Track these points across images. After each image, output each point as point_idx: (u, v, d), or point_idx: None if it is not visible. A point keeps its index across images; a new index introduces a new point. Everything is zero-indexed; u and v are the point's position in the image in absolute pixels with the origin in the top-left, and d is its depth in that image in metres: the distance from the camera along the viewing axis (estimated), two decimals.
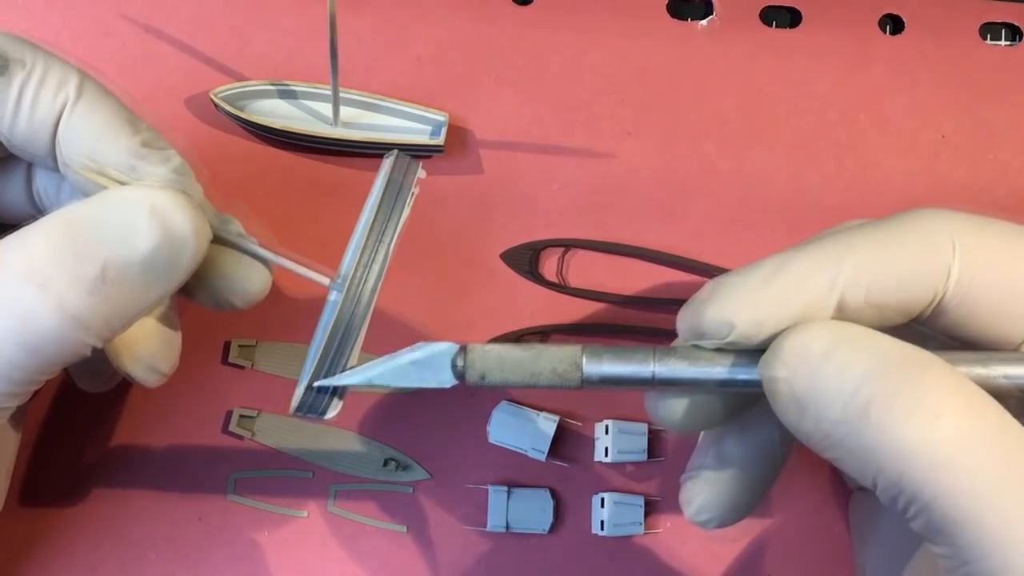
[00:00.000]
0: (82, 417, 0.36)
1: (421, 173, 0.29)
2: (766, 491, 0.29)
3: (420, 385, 0.26)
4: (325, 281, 0.28)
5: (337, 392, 0.28)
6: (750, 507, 0.29)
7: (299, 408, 0.28)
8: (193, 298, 0.28)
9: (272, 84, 0.38)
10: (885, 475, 0.22)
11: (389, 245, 0.28)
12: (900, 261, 0.24)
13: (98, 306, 0.24)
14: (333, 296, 0.28)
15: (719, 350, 0.25)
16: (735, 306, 0.25)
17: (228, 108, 0.37)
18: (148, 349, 0.29)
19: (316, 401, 0.27)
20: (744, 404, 0.28)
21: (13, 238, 0.25)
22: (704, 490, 0.28)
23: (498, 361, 0.26)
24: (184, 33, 0.39)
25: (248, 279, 0.28)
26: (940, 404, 0.21)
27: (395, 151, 0.29)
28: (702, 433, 0.30)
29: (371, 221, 0.28)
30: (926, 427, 0.21)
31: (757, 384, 0.25)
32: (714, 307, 0.25)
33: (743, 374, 0.25)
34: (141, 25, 0.39)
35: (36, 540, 0.36)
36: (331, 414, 0.28)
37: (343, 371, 0.27)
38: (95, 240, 0.24)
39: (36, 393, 0.27)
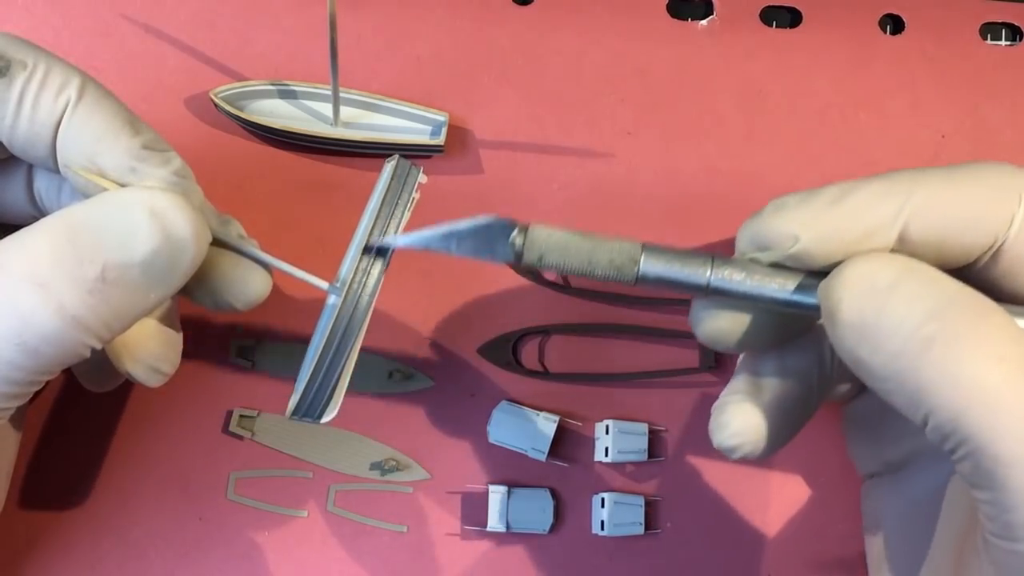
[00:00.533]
0: (82, 417, 0.36)
1: (423, 179, 0.29)
2: (795, 432, 0.28)
3: (477, 257, 0.26)
4: (324, 285, 0.28)
5: (333, 396, 0.28)
6: (781, 442, 0.28)
7: (295, 411, 0.28)
8: (192, 299, 0.28)
9: (272, 84, 0.38)
10: (939, 413, 0.22)
11: (388, 252, 0.28)
12: (967, 201, 0.25)
13: (98, 307, 0.24)
14: (332, 300, 0.28)
15: (778, 267, 0.25)
16: (800, 220, 0.25)
17: (228, 108, 0.37)
18: (149, 350, 0.29)
19: (313, 405, 0.27)
20: (790, 331, 0.28)
21: (13, 239, 0.25)
22: (738, 415, 0.28)
23: (558, 244, 0.26)
24: (184, 33, 0.39)
25: (248, 282, 0.28)
26: (1003, 348, 0.21)
27: (396, 156, 0.29)
28: (740, 360, 0.30)
29: (371, 226, 0.28)
30: (988, 368, 0.21)
31: (813, 308, 0.25)
32: (780, 218, 0.25)
33: (799, 295, 0.25)
34: (141, 25, 0.39)
35: (36, 540, 0.36)
36: (327, 418, 0.28)
37: (340, 374, 0.27)
38: (95, 242, 0.24)
39: (37, 394, 0.27)
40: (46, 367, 0.25)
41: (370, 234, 0.28)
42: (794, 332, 0.28)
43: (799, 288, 0.25)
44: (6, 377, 0.24)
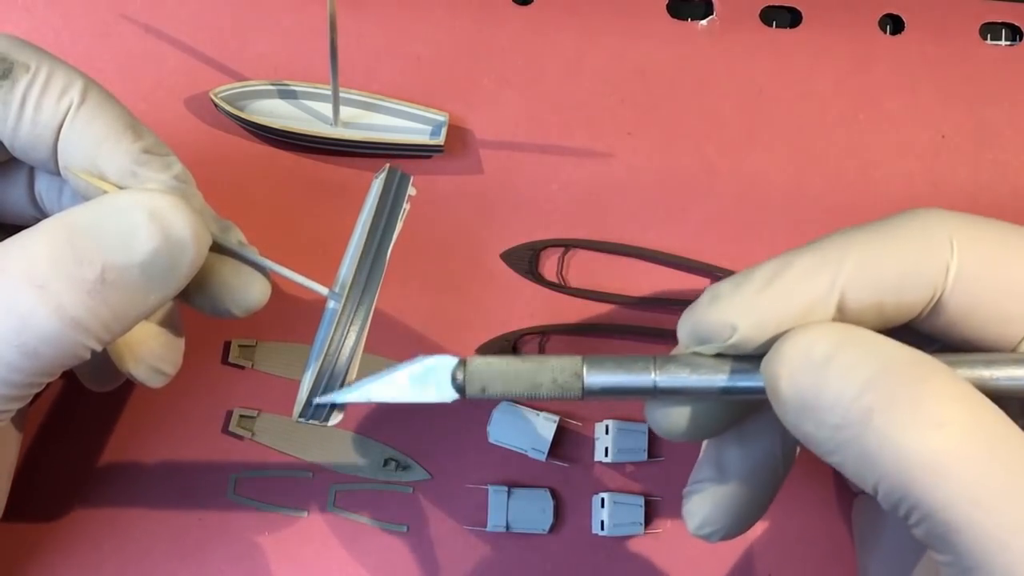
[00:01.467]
0: (82, 417, 0.36)
1: (412, 191, 0.29)
2: (768, 503, 0.29)
3: (421, 400, 0.26)
4: (324, 291, 0.28)
5: (332, 402, 0.28)
6: (753, 519, 0.28)
7: (302, 415, 0.28)
8: (192, 304, 0.28)
9: (272, 84, 0.38)
10: (886, 482, 0.22)
11: (384, 257, 0.28)
12: (899, 259, 0.24)
13: (97, 309, 0.24)
14: (332, 305, 0.28)
15: (720, 357, 0.25)
16: (736, 309, 0.25)
17: (228, 108, 0.37)
18: (151, 350, 0.29)
19: (319, 409, 0.28)
20: (744, 412, 0.28)
21: (12, 241, 0.25)
22: (706, 503, 0.28)
23: (499, 374, 0.26)
24: (184, 33, 0.39)
25: (247, 288, 0.28)
26: (942, 412, 0.21)
27: (387, 166, 0.29)
28: (703, 446, 0.30)
29: (365, 234, 0.28)
30: (928, 435, 0.21)
31: (760, 391, 0.25)
32: (715, 310, 0.25)
33: (745, 380, 0.25)
34: (141, 25, 0.39)
35: (37, 540, 0.36)
36: (334, 420, 0.28)
37: (343, 382, 0.27)
38: (94, 243, 0.24)
39: (37, 396, 0.27)
40: (45, 369, 0.25)
41: (366, 240, 0.28)
42: (752, 409, 0.28)
43: (745, 373, 0.25)
44: (5, 379, 0.24)
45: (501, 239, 0.38)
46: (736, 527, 0.28)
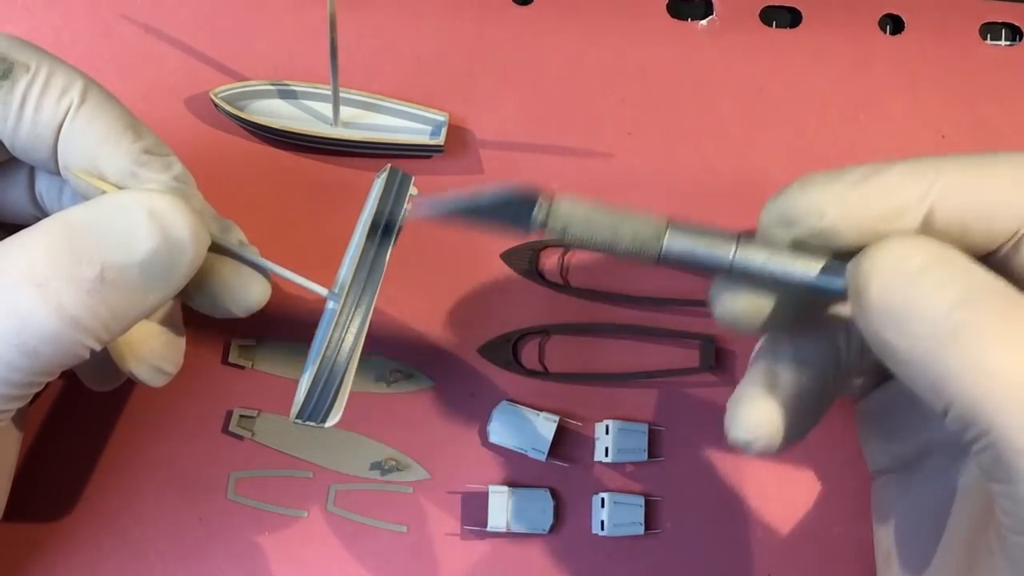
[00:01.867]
0: (82, 417, 0.36)
1: (413, 191, 0.29)
2: (814, 423, 0.28)
3: (497, 226, 0.26)
4: (323, 292, 0.28)
5: (336, 400, 0.28)
6: (797, 437, 0.28)
7: (299, 415, 0.28)
8: (192, 304, 0.28)
9: (272, 84, 0.38)
10: (962, 400, 0.22)
11: (384, 258, 0.28)
12: (991, 187, 0.24)
13: (96, 308, 0.24)
14: (331, 306, 0.28)
15: (802, 247, 0.25)
16: (829, 196, 0.25)
17: (228, 108, 0.37)
18: (151, 350, 0.29)
19: (316, 409, 0.28)
20: (809, 314, 0.27)
21: (11, 240, 0.25)
22: (753, 411, 0.27)
23: (583, 216, 0.25)
24: (184, 33, 0.39)
25: (247, 289, 0.28)
26: None
27: (388, 167, 0.29)
28: (755, 351, 0.29)
29: (365, 234, 0.28)
30: (1014, 360, 0.21)
31: (838, 291, 0.24)
32: (807, 194, 0.25)
33: (826, 276, 0.25)
34: (141, 25, 0.39)
35: (37, 540, 0.36)
36: (332, 421, 0.28)
37: (340, 383, 0.27)
38: (94, 242, 0.24)
39: (37, 396, 0.27)
40: (45, 368, 0.25)
41: (367, 241, 0.28)
42: (812, 313, 0.28)
43: (824, 270, 0.25)
44: (5, 379, 0.24)
45: (501, 239, 0.38)
46: (778, 440, 0.27)
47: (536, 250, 0.38)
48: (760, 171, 0.39)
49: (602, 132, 0.39)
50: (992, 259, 0.25)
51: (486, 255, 0.38)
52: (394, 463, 0.37)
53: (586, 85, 0.40)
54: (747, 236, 0.26)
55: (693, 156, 0.39)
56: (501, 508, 0.36)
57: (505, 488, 0.36)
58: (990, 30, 0.41)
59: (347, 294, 0.28)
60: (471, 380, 0.38)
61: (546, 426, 0.36)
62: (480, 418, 0.37)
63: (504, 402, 0.37)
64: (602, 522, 0.36)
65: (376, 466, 0.37)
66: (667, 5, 0.41)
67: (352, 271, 0.28)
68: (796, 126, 0.40)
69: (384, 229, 0.28)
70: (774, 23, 0.41)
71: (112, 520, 0.36)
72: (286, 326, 0.37)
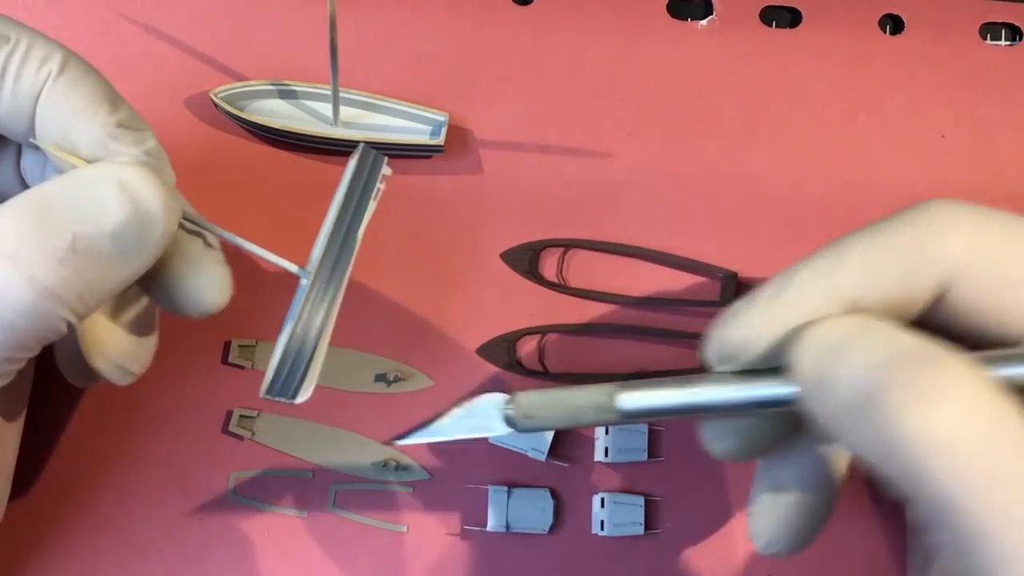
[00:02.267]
0: (82, 417, 0.36)
1: (387, 170, 0.29)
2: (827, 514, 0.29)
3: (471, 434, 0.28)
4: (293, 268, 0.28)
5: (307, 375, 0.28)
6: (815, 531, 0.29)
7: (268, 391, 0.28)
8: (153, 297, 0.28)
9: (272, 84, 0.38)
10: (891, 462, 0.22)
11: (355, 236, 0.29)
12: (901, 250, 0.25)
13: (69, 278, 0.24)
14: (303, 283, 0.28)
15: (747, 372, 0.26)
16: (748, 324, 0.26)
17: (228, 108, 0.37)
18: (118, 348, 0.29)
19: (286, 385, 0.28)
20: (790, 428, 0.28)
21: None
22: (768, 523, 0.29)
23: (544, 402, 0.28)
24: (184, 33, 0.39)
25: (203, 290, 0.28)
26: (945, 391, 0.21)
27: (360, 145, 0.29)
28: (756, 467, 0.30)
29: (338, 213, 0.28)
30: (930, 414, 0.21)
31: (789, 399, 0.25)
32: (731, 329, 0.26)
33: (773, 388, 0.26)
34: (141, 25, 0.39)
35: (36, 540, 0.36)
36: (301, 398, 0.28)
37: (310, 360, 0.28)
38: (64, 214, 0.24)
39: (27, 386, 0.27)
40: (22, 342, 0.25)
41: (338, 220, 0.28)
42: (794, 425, 0.28)
43: (772, 384, 0.26)
44: None
45: (501, 239, 0.38)
46: (799, 541, 0.29)
47: (536, 250, 0.38)
48: (760, 171, 0.39)
49: (602, 132, 0.39)
50: (926, 319, 0.26)
51: (486, 255, 0.38)
52: (394, 463, 0.37)
53: (586, 85, 0.40)
54: (696, 376, 0.27)
55: (693, 156, 0.39)
56: (501, 508, 0.36)
57: (505, 488, 0.36)
58: (990, 30, 0.41)
59: (318, 271, 0.28)
60: (471, 380, 0.38)
61: None
62: None
63: None
64: (602, 522, 0.36)
65: (376, 466, 0.37)
66: (667, 5, 0.41)
67: (323, 249, 0.28)
68: (796, 126, 0.40)
69: (356, 208, 0.29)
70: (774, 23, 0.41)
71: (112, 520, 0.36)
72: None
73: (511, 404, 0.28)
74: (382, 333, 0.38)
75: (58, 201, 0.24)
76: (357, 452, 0.37)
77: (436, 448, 0.37)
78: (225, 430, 0.37)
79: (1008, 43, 0.41)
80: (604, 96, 0.40)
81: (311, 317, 0.28)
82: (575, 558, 0.37)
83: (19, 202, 0.24)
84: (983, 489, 0.20)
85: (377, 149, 0.37)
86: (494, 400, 0.28)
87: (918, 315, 0.25)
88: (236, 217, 0.30)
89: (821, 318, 0.25)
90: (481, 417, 0.28)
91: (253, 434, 0.37)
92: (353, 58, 0.39)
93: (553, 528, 0.37)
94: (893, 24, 0.41)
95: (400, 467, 0.37)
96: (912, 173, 0.40)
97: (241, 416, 0.37)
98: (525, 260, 0.38)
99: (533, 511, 0.36)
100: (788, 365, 0.25)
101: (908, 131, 0.40)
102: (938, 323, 0.26)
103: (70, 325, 0.25)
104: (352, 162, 0.29)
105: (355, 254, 0.29)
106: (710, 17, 0.40)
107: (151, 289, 0.28)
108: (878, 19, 0.41)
